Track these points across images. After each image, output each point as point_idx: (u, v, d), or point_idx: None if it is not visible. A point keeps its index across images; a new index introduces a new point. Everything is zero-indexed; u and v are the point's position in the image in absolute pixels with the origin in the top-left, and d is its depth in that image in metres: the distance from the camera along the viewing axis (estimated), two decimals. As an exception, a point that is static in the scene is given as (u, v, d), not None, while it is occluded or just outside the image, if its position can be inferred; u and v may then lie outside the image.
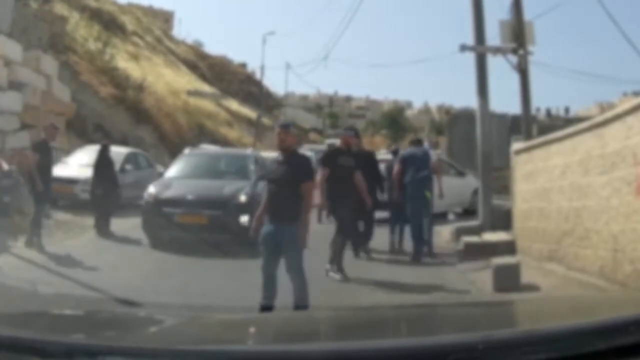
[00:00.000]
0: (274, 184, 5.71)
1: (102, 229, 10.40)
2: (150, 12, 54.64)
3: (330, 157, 8.30)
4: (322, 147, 32.88)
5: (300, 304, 5.26)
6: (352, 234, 8.57)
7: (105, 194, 10.62)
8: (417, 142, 10.56)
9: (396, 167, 9.79)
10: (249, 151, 13.16)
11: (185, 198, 9.70)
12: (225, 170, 11.21)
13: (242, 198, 9.69)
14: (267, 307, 5.21)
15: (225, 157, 12.59)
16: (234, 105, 44.92)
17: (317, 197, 7.48)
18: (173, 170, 11.18)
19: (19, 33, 16.17)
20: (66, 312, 1.77)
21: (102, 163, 11.06)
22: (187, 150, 12.85)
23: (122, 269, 7.94)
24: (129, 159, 14.76)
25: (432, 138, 38.42)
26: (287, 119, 53.37)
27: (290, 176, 5.54)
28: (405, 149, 11.23)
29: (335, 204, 7.98)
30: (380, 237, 9.92)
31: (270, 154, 14.03)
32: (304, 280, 5.54)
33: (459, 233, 10.64)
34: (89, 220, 10.88)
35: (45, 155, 9.28)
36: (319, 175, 7.69)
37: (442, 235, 11.23)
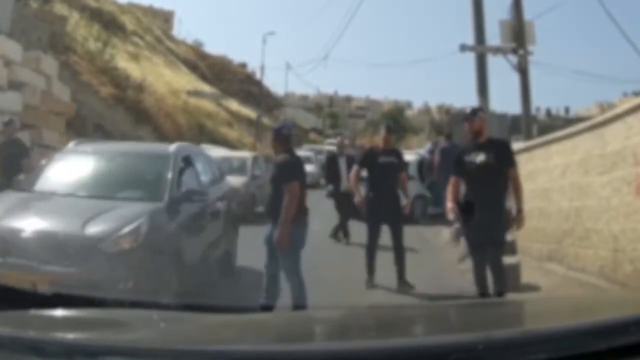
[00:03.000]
0: (270, 186, 5.84)
1: None
2: (150, 12, 54.64)
3: (368, 157, 7.67)
4: (322, 147, 32.85)
5: (298, 305, 5.24)
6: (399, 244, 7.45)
7: None
8: (449, 137, 13.41)
9: (437, 158, 12.75)
10: (172, 148, 6.87)
11: (20, 238, 5.11)
12: (124, 182, 6.31)
13: (123, 239, 5.22)
14: (267, 307, 5.21)
15: (130, 157, 6.92)
16: (234, 105, 44.93)
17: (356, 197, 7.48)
18: (39, 180, 6.38)
19: (19, 33, 16.18)
20: (66, 312, 1.77)
21: None
22: (71, 145, 7.24)
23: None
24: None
25: (432, 138, 38.43)
26: (287, 119, 53.31)
27: (278, 177, 5.58)
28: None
29: (374, 206, 7.31)
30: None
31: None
32: (300, 281, 5.51)
33: (459, 233, 10.63)
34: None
35: (11, 153, 8.91)
36: (352, 174, 7.78)
37: (442, 235, 11.23)
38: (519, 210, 5.94)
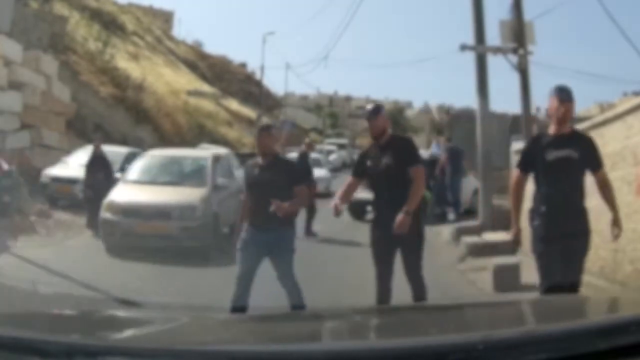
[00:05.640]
0: (260, 190, 5.19)
1: (95, 229, 10.33)
2: (150, 12, 54.64)
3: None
4: (323, 147, 32.83)
5: (298, 306, 5.16)
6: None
7: (96, 194, 10.35)
8: (449, 139, 14.60)
9: (444, 156, 13.77)
10: (204, 153, 11.76)
11: (150, 205, 8.93)
12: (183, 174, 10.10)
13: (189, 206, 8.95)
14: (240, 308, 4.95)
15: (182, 159, 10.82)
16: (234, 105, 44.93)
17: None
18: (132, 175, 10.15)
19: (19, 33, 16.17)
20: (66, 312, 1.77)
21: (95, 163, 10.99)
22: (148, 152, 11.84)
23: (121, 268, 7.94)
24: (128, 158, 14.76)
25: (432, 138, 38.51)
26: (287, 119, 53.25)
27: (280, 181, 5.10)
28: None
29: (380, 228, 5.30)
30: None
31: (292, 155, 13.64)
32: (296, 285, 5.41)
33: (459, 233, 10.65)
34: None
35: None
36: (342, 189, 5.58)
37: (442, 235, 11.23)
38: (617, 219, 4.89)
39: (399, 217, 4.88)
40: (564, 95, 4.53)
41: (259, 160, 5.33)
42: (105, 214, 8.89)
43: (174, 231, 8.69)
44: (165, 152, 11.77)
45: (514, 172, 4.69)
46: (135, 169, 10.24)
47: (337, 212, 5.20)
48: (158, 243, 8.54)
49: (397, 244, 5.04)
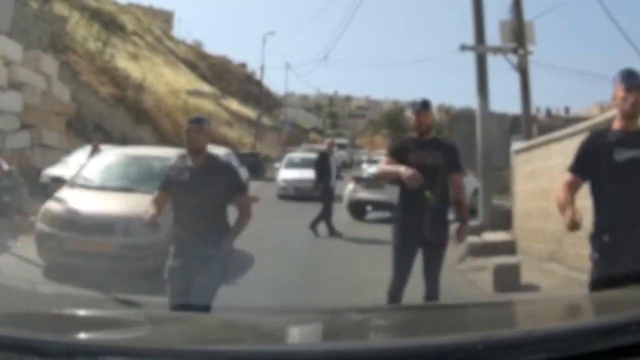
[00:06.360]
0: (188, 200, 4.06)
1: None
2: (150, 12, 54.70)
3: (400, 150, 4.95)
4: (322, 146, 32.81)
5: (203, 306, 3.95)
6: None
7: None
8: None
9: None
10: (170, 152, 8.18)
11: (90, 216, 6.99)
12: (140, 178, 7.71)
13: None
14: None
15: (141, 160, 8.39)
16: (234, 105, 44.97)
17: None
18: (80, 177, 8.18)
19: (19, 33, 16.18)
20: (66, 312, 1.77)
21: None
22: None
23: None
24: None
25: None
26: (287, 119, 53.14)
27: (216, 189, 4.04)
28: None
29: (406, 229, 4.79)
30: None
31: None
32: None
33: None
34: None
35: None
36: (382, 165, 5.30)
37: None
38: None
39: (460, 226, 4.89)
40: (632, 81, 3.38)
41: (188, 161, 4.19)
42: (40, 225, 7.13)
43: (117, 250, 6.79)
44: (125, 150, 9.68)
45: (564, 177, 3.59)
46: (87, 170, 8.34)
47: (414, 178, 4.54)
48: (99, 264, 6.62)
49: (424, 247, 4.73)
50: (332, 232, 11.34)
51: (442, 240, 4.78)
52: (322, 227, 11.36)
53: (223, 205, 4.15)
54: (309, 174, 18.96)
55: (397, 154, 4.80)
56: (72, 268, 6.59)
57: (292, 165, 20.55)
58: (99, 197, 7.45)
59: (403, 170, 4.58)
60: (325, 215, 11.43)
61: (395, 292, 4.80)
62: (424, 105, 4.85)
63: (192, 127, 4.19)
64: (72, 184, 8.00)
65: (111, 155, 8.80)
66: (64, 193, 7.69)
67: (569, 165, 3.64)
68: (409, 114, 4.95)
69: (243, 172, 20.46)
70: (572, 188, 3.54)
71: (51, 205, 7.34)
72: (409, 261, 4.78)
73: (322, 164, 11.97)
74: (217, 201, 4.08)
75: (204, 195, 4.02)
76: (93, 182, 7.89)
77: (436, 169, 4.67)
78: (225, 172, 4.27)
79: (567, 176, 3.60)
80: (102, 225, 6.91)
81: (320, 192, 11.74)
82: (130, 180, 7.79)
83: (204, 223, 4.02)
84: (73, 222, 6.94)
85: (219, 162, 4.35)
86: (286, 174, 19.78)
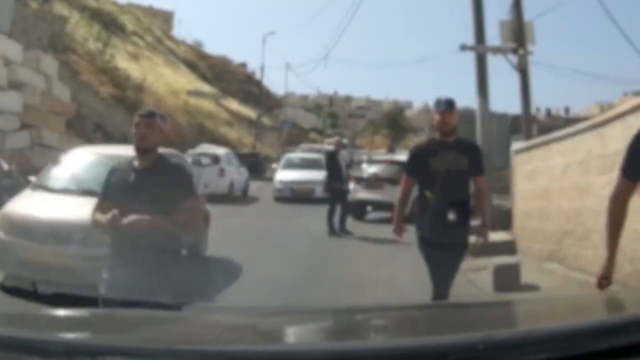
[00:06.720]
0: (133, 204, 3.42)
1: None
2: (150, 12, 54.71)
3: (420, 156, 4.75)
4: (322, 146, 32.75)
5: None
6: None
7: None
8: None
9: None
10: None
11: (46, 223, 6.23)
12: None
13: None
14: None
15: (109, 160, 6.68)
16: (234, 105, 44.97)
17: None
18: (45, 177, 7.40)
19: (19, 33, 16.19)
20: (66, 312, 1.77)
21: None
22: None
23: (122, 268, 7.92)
24: None
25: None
26: (287, 119, 53.05)
27: (162, 194, 3.46)
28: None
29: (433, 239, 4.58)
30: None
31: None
32: None
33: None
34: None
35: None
36: (400, 187, 4.85)
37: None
38: None
39: (482, 228, 4.87)
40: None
41: (135, 161, 3.62)
42: None
43: (74, 261, 5.98)
44: (97, 149, 8.54)
45: (619, 182, 3.23)
46: (53, 170, 7.49)
47: (400, 234, 4.60)
48: (56, 277, 5.79)
49: (446, 249, 4.56)
50: (332, 232, 11.36)
51: (465, 244, 4.72)
52: (317, 226, 11.42)
53: (170, 211, 3.50)
54: (306, 175, 18.71)
55: (418, 160, 4.63)
56: (27, 280, 5.21)
57: (290, 165, 19.95)
58: (60, 201, 6.60)
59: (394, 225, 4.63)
60: (333, 213, 11.53)
61: (440, 292, 4.56)
62: (450, 104, 4.64)
63: (142, 121, 3.55)
64: (36, 186, 7.21)
65: (81, 154, 7.79)
66: (25, 196, 7.04)
67: (622, 167, 3.26)
68: (433, 113, 4.70)
69: (243, 172, 20.40)
70: (626, 194, 3.23)
71: (9, 209, 6.61)
72: (442, 260, 4.61)
73: (331, 164, 12.00)
74: (166, 207, 3.43)
75: (151, 201, 3.42)
76: (56, 185, 7.06)
77: (460, 173, 4.54)
78: (176, 174, 3.67)
79: (621, 182, 3.22)
80: (58, 234, 6.12)
81: (332, 192, 11.79)
82: (97, 183, 6.08)
83: (151, 232, 3.41)
84: (28, 229, 6.20)
85: (169, 163, 3.77)
86: (283, 175, 19.13)
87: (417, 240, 4.66)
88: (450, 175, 4.45)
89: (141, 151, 3.57)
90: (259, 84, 48.11)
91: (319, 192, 17.63)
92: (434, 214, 4.52)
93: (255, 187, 20.73)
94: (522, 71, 11.64)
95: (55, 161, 7.85)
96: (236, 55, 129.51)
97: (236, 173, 18.91)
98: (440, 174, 4.47)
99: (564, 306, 2.09)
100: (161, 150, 3.70)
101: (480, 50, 11.50)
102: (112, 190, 3.61)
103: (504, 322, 1.85)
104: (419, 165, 4.60)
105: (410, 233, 4.80)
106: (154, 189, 3.45)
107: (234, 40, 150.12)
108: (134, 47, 36.70)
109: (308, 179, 18.28)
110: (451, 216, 4.46)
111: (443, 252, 4.53)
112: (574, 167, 7.63)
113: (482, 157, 4.85)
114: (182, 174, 3.74)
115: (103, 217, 3.47)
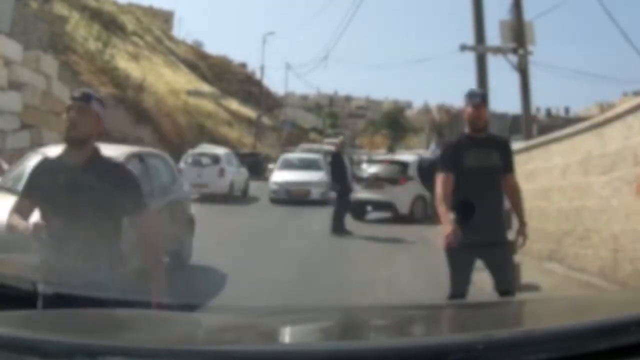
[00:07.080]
0: (61, 211, 2.79)
1: None
2: (150, 12, 54.72)
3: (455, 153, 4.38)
4: (322, 146, 32.78)
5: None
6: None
7: None
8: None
9: None
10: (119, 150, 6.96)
11: None
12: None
13: None
14: None
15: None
16: (234, 105, 44.98)
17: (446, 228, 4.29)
18: (10, 179, 6.62)
19: (19, 33, 16.18)
20: (66, 312, 1.77)
21: None
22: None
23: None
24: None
25: (432, 138, 38.55)
26: (288, 119, 52.97)
27: (100, 197, 2.82)
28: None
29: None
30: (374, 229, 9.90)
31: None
32: None
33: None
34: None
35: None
36: (439, 184, 4.33)
37: (443, 234, 11.22)
38: None
39: (521, 229, 4.69)
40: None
41: (65, 157, 2.95)
42: None
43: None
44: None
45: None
46: (19, 172, 6.50)
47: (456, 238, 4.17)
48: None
49: (480, 251, 4.39)
50: (336, 230, 11.37)
51: (502, 244, 4.55)
52: (316, 227, 11.44)
53: (113, 222, 2.92)
54: (303, 176, 18.48)
55: (452, 158, 4.30)
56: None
57: (287, 166, 19.35)
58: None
59: (446, 228, 4.23)
60: (340, 211, 11.55)
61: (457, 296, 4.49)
62: (483, 97, 4.39)
63: (75, 105, 2.89)
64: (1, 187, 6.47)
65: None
66: None
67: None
68: (464, 106, 4.36)
69: (243, 172, 20.31)
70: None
71: None
72: (467, 264, 4.57)
73: (336, 164, 12.02)
74: (105, 214, 2.83)
75: (86, 205, 2.78)
76: (17, 186, 5.94)
77: (493, 171, 4.32)
78: (118, 175, 2.97)
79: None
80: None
81: (338, 191, 11.83)
82: None
83: (85, 244, 2.78)
84: None
85: (108, 161, 3.05)
86: (279, 176, 18.43)
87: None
88: (483, 173, 4.24)
89: (72, 142, 2.88)
90: (259, 84, 48.11)
91: (316, 194, 17.55)
92: (465, 215, 4.25)
93: (255, 187, 20.71)
94: (522, 71, 11.64)
95: (17, 162, 7.32)
96: (236, 55, 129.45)
97: (236, 173, 18.86)
98: (473, 171, 4.24)
99: (564, 306, 2.09)
100: (140, 147, 3.10)
101: (480, 50, 11.51)
102: (35, 190, 2.92)
103: (504, 322, 1.85)
104: (453, 162, 4.27)
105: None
106: (89, 190, 2.80)
107: (234, 40, 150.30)
108: (134, 47, 36.70)
109: (305, 180, 18.02)
110: (486, 215, 4.22)
111: (479, 252, 4.38)
112: (574, 167, 7.63)
113: (512, 154, 4.65)
114: (127, 177, 3.03)
115: (21, 223, 2.83)
